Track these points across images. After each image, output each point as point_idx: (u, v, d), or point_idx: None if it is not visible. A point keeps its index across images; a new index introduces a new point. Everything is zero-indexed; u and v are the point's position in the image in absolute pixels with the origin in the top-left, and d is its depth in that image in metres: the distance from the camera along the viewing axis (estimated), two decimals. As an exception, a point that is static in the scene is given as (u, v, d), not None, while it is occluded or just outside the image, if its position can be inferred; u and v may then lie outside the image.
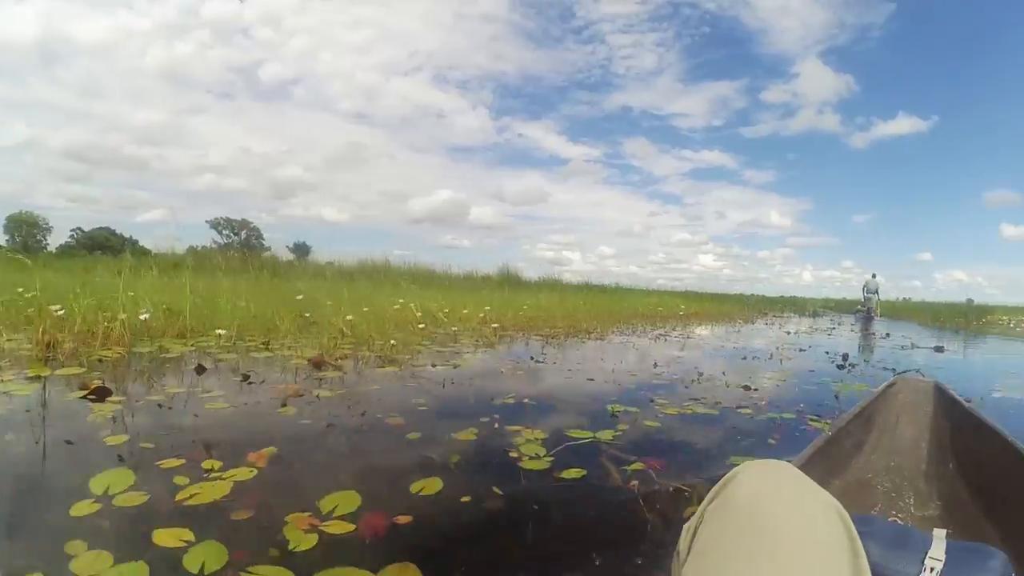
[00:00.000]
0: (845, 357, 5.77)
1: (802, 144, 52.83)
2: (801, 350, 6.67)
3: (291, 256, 17.26)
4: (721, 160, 52.54)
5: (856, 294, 20.30)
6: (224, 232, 44.12)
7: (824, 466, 1.45)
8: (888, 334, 10.49)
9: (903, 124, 46.73)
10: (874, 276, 18.57)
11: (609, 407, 2.95)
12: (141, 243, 17.75)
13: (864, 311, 18.43)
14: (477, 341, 5.81)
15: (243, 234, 44.81)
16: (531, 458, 2.03)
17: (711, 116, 49.82)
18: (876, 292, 18.28)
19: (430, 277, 13.44)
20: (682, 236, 61.69)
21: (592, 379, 3.90)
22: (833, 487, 1.47)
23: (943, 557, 0.70)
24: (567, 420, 2.64)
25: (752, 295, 27.82)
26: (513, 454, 2.06)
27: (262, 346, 4.40)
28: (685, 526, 0.57)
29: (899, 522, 1.32)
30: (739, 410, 3.07)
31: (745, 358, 5.64)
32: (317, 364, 3.59)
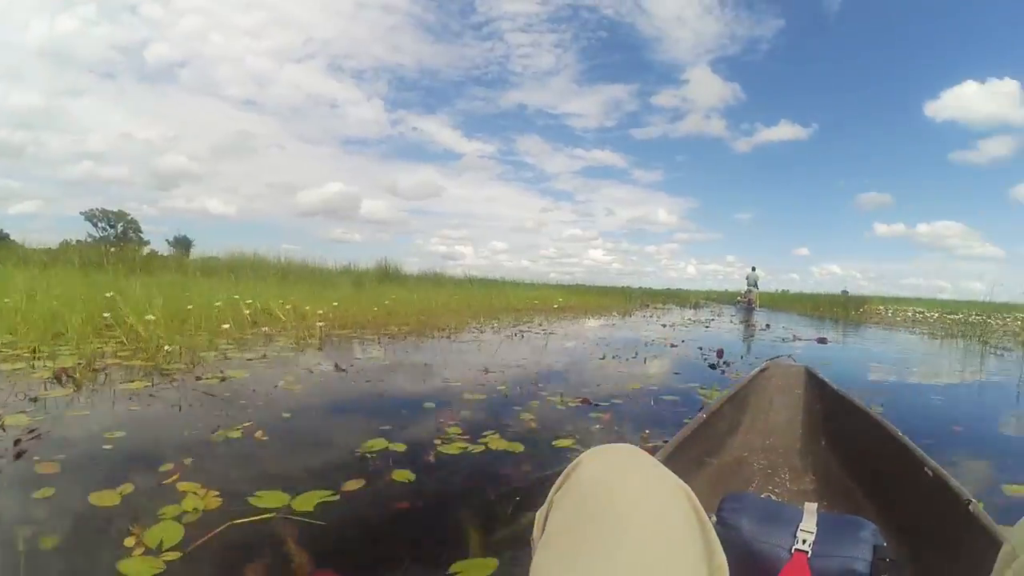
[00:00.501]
0: (720, 354, 5.06)
1: (689, 146, 57.19)
2: (672, 346, 5.89)
3: (170, 251, 16.72)
4: (612, 159, 55.33)
5: (738, 286, 20.87)
6: (100, 225, 38.79)
7: (701, 447, 1.51)
8: (768, 325, 10.30)
9: (785, 131, 51.80)
10: (754, 269, 19.18)
11: (363, 446, 2.00)
12: (12, 236, 15.28)
13: (745, 302, 18.98)
14: (295, 343, 4.81)
15: (120, 227, 39.71)
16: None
17: (604, 117, 52.20)
18: (756, 284, 18.87)
19: (302, 271, 12.22)
20: (573, 232, 63.94)
21: (381, 394, 2.81)
22: (712, 466, 1.56)
23: (814, 529, 0.78)
24: (276, 469, 1.77)
25: (639, 288, 28.69)
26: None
27: (29, 354, 3.54)
28: (537, 514, 0.55)
29: (774, 497, 1.34)
30: (556, 443, 2.11)
31: (605, 357, 4.72)
32: (58, 377, 2.98)
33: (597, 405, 2.83)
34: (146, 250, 16.37)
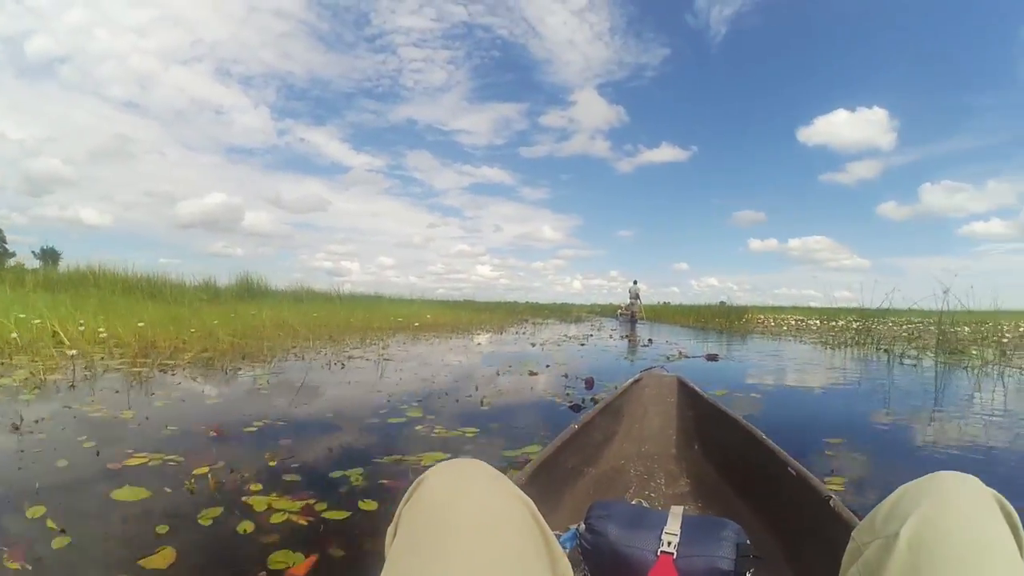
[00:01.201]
0: (589, 384, 3.74)
1: (575, 166, 59.72)
2: (533, 373, 4.54)
3: (37, 263, 15.34)
4: (500, 177, 56.55)
5: (622, 299, 20.65)
6: (-42, 234, 31.02)
7: (577, 457, 1.52)
8: (651, 340, 9.39)
9: (666, 153, 55.26)
10: (635, 282, 19.16)
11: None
12: None
13: (628, 314, 18.77)
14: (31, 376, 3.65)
15: (-19, 237, 32.19)
16: None
17: (493, 135, 53.17)
18: (638, 297, 18.90)
19: (151, 287, 10.66)
20: (461, 247, 64.27)
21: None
22: (589, 475, 1.58)
23: (679, 531, 0.81)
24: None
25: (526, 303, 28.63)
26: None
27: None
28: (388, 529, 0.55)
29: (646, 503, 1.34)
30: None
31: (422, 400, 3.22)
32: None
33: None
34: (12, 262, 15.51)
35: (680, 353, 6.63)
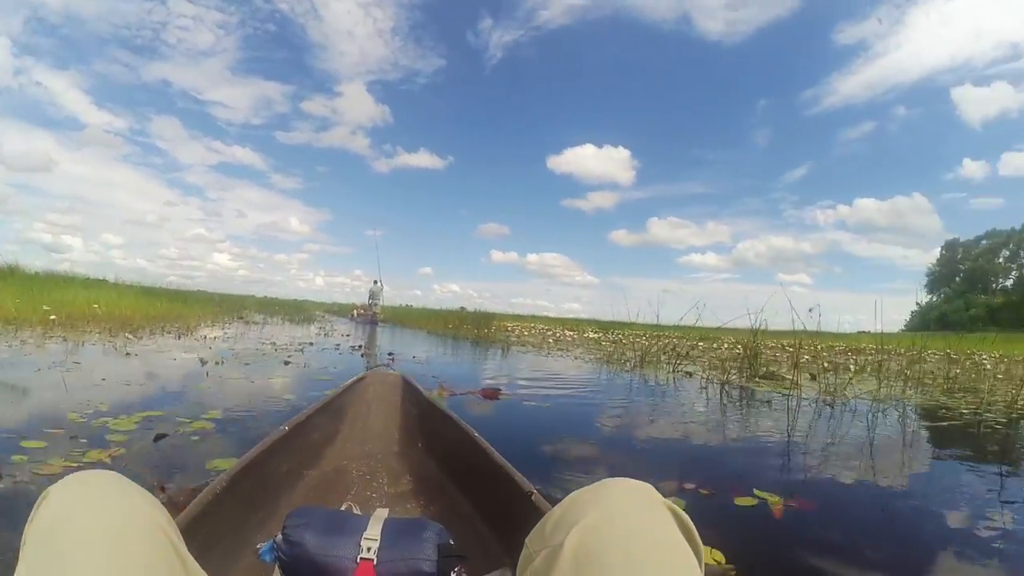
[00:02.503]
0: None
1: (332, 158, 56.09)
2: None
3: None
4: (252, 159, 49.72)
5: (364, 299, 19.10)
6: None
7: (294, 459, 1.45)
8: (392, 355, 6.69)
9: (424, 159, 55.31)
10: (376, 282, 18.04)
11: None
12: None
13: (368, 315, 17.60)
14: None
15: None
16: None
17: (251, 113, 46.60)
18: (379, 298, 17.90)
19: None
20: (199, 231, 54.65)
21: None
22: (309, 479, 1.51)
23: (379, 536, 0.81)
24: None
25: (264, 297, 24.36)
26: None
27: None
28: (20, 554, 0.49)
29: (355, 508, 1.19)
30: None
31: None
32: None
33: None
34: None
35: (441, 385, 4.18)
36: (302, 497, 1.41)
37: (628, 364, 7.07)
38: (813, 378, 5.82)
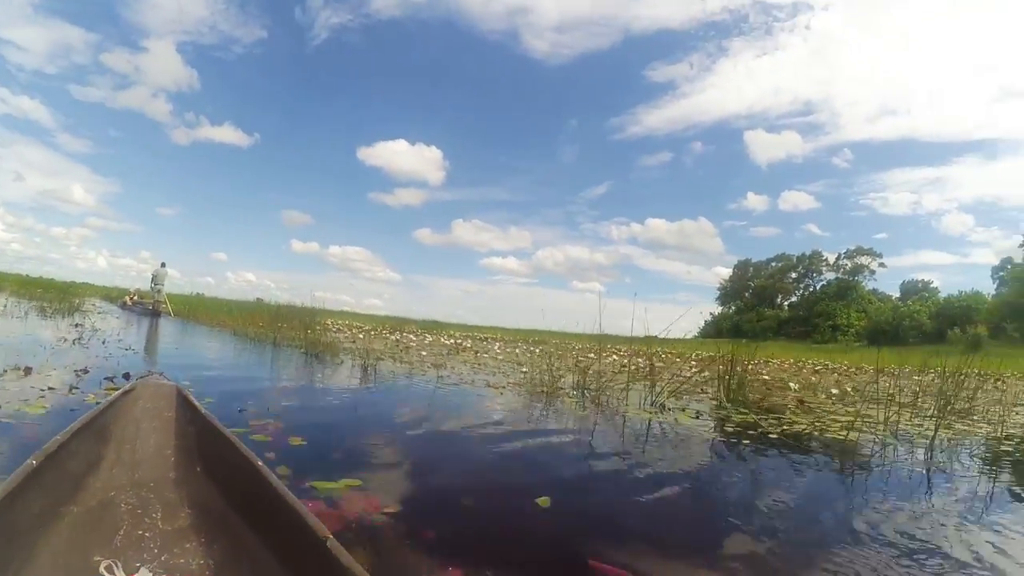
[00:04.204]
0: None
1: (128, 122, 47.43)
2: None
3: None
4: (40, 114, 39.92)
5: (149, 286, 15.72)
6: None
7: (50, 495, 1.25)
8: (189, 387, 3.21)
9: (229, 133, 48.82)
10: (164, 265, 15.36)
11: None
12: None
13: (149, 304, 14.82)
14: None
15: None
16: None
17: (47, 60, 37.40)
18: (163, 284, 15.17)
19: None
20: None
21: None
22: (72, 516, 1.30)
23: None
24: None
25: (39, 277, 21.65)
26: None
27: None
28: None
29: (116, 565, 1.06)
30: None
31: None
32: None
33: None
34: None
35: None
36: (63, 542, 1.17)
37: (577, 398, 4.78)
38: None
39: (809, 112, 71.13)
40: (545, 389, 4.78)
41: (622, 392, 4.71)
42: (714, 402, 4.82)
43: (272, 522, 1.20)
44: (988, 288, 46.51)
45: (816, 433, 3.62)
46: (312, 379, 4.86)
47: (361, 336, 10.77)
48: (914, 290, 53.24)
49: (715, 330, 61.70)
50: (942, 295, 48.34)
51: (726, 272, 69.79)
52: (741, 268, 66.29)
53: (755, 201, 69.36)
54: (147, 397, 1.83)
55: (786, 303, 62.37)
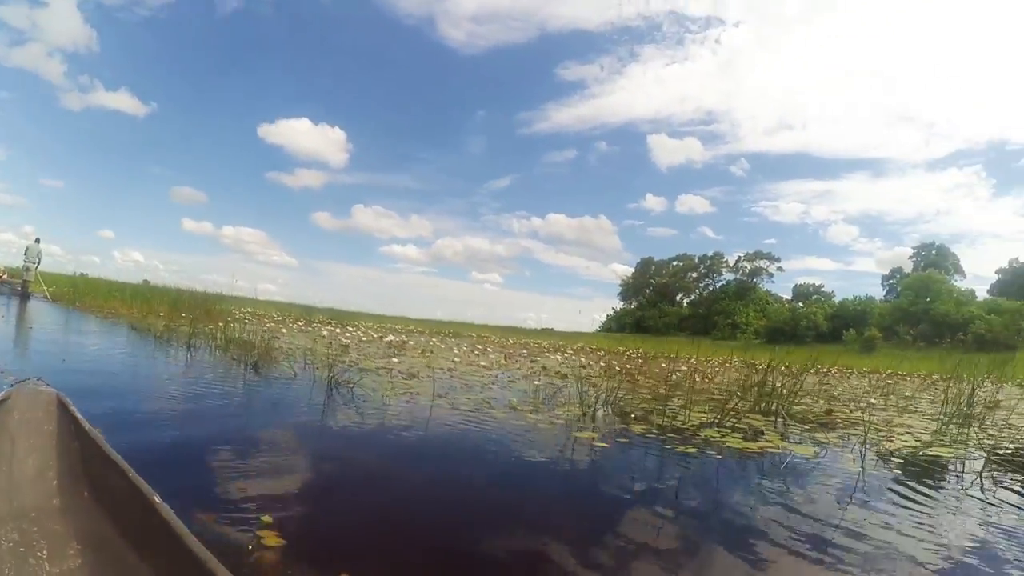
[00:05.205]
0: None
1: (18, 82, 42.35)
2: None
3: None
4: None
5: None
6: None
7: None
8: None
9: (124, 100, 44.36)
10: (38, 241, 13.76)
11: None
12: None
13: (19, 285, 13.27)
14: None
15: None
16: None
17: None
18: (36, 261, 13.50)
19: None
20: None
21: None
22: None
23: None
24: None
25: None
26: None
27: None
28: None
29: None
30: None
31: None
32: None
33: None
34: None
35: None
36: None
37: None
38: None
39: (711, 121, 75.99)
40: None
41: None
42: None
43: (168, 556, 1.07)
44: (879, 294, 52.45)
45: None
46: (284, 415, 3.21)
47: (284, 330, 9.26)
48: (806, 293, 58.33)
49: (617, 325, 64.47)
50: (837, 299, 53.11)
51: (623, 269, 73.05)
52: (643, 266, 69.29)
53: (653, 202, 73.11)
54: (23, 408, 1.59)
55: (686, 301, 66.07)
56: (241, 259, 66.74)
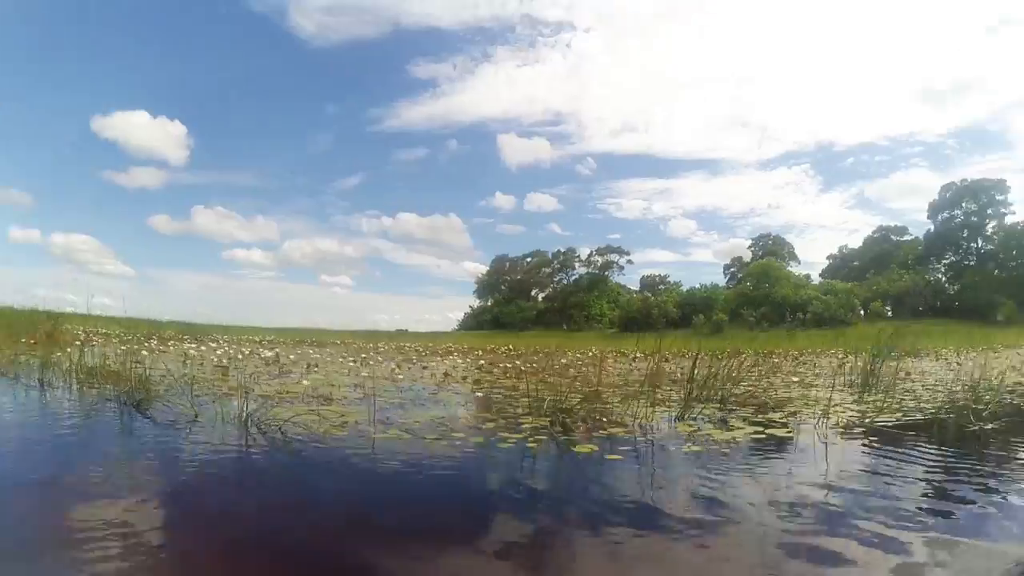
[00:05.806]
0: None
1: None
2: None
3: None
4: None
5: None
6: None
7: None
8: None
9: None
10: None
11: None
12: None
13: None
14: None
15: None
16: None
17: None
18: None
19: None
20: None
21: None
22: None
23: None
24: None
25: None
26: None
27: None
28: None
29: None
30: None
31: None
32: None
33: None
34: None
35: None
36: None
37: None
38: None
39: (559, 122, 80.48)
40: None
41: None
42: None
43: None
44: (721, 281, 58.87)
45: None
46: (224, 489, 2.23)
47: (144, 352, 7.52)
48: (652, 283, 64.09)
49: (476, 322, 65.42)
50: (684, 288, 58.66)
51: (474, 267, 75.12)
52: (498, 263, 71.23)
53: (503, 200, 75.45)
54: None
55: (541, 296, 68.96)
56: (74, 270, 56.17)
